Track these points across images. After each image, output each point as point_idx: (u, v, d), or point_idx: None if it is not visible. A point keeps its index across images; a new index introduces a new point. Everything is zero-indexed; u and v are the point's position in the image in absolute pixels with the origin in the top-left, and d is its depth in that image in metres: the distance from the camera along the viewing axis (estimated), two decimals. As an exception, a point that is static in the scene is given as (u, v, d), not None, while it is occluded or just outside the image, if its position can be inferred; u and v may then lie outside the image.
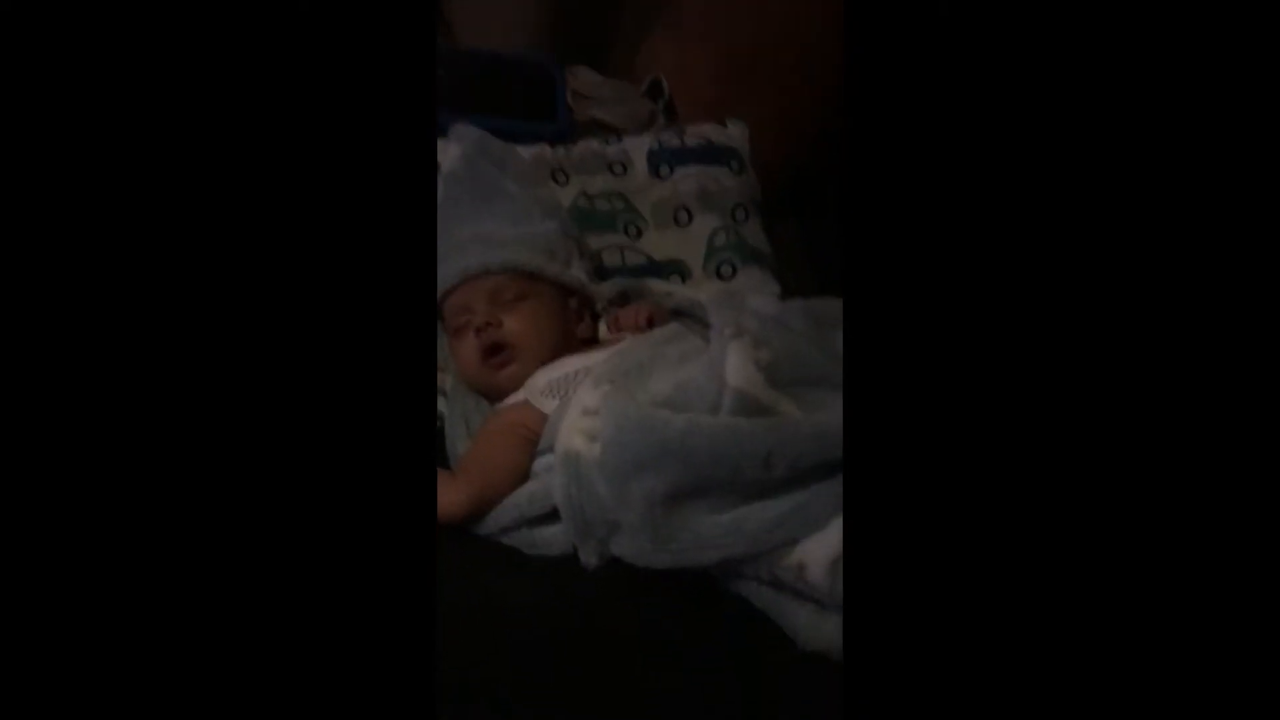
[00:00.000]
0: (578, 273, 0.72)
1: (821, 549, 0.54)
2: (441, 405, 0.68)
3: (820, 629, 0.54)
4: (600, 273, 0.79)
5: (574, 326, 0.70)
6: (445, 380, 0.69)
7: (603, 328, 0.73)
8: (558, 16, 1.24)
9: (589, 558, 0.58)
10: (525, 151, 0.84)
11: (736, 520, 0.55)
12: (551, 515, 0.58)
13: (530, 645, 0.53)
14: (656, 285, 0.77)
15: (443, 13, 1.27)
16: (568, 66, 1.12)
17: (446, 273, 0.67)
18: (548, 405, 0.63)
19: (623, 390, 0.58)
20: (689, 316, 0.73)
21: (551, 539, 0.59)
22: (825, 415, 0.55)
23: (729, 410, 0.55)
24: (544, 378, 0.65)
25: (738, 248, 0.83)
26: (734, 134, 0.91)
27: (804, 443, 0.54)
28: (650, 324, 0.70)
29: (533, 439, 0.62)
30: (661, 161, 0.88)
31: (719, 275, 0.82)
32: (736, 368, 0.56)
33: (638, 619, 0.56)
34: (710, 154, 0.88)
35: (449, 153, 0.75)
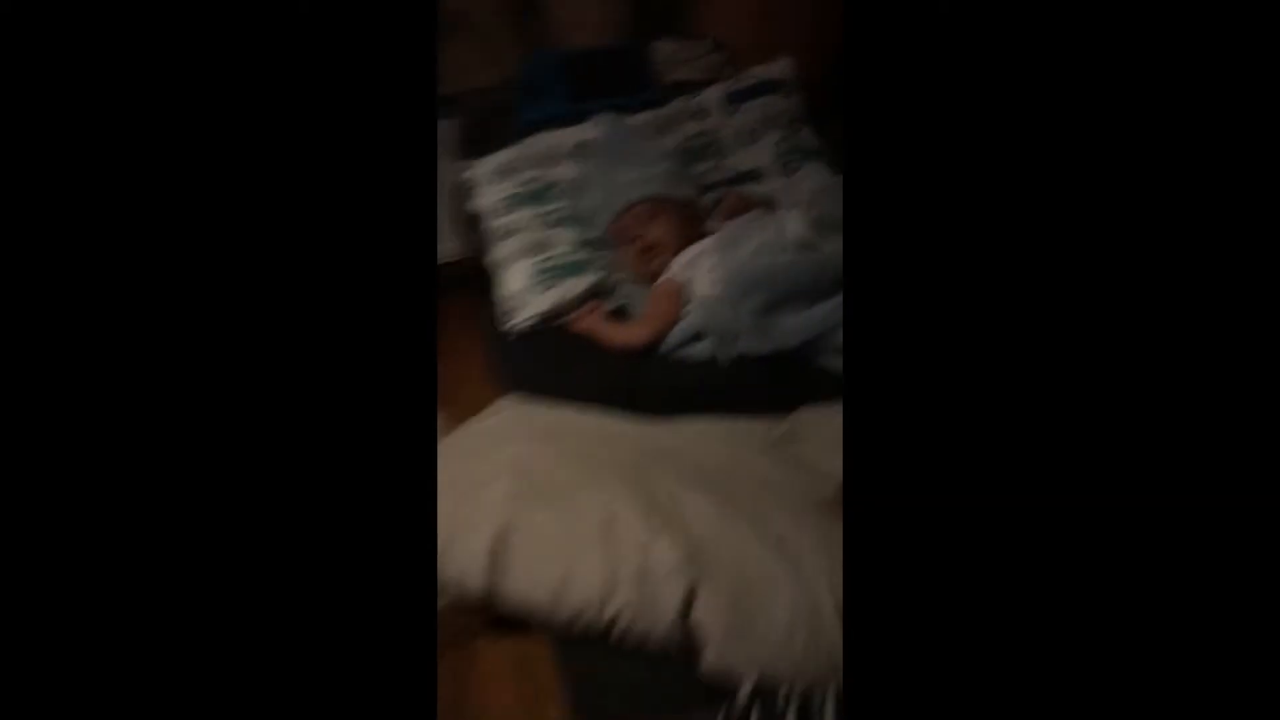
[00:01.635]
0: (688, 191, 1.11)
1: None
2: (623, 291, 1.11)
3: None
4: (704, 189, 1.17)
5: (693, 226, 1.10)
6: (623, 275, 1.12)
7: (712, 224, 1.13)
8: (632, 5, 1.59)
9: (724, 357, 0.98)
10: (637, 119, 1.23)
11: (810, 317, 0.93)
12: (698, 337, 1.00)
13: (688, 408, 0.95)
14: (741, 190, 1.15)
15: (549, 12, 1.64)
16: (652, 42, 1.47)
17: (610, 209, 1.09)
18: (684, 276, 1.03)
19: (727, 254, 0.97)
20: (767, 204, 1.11)
21: (700, 351, 1.00)
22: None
23: (792, 251, 0.93)
24: (680, 260, 1.05)
25: (796, 150, 1.18)
26: (781, 67, 1.25)
27: (838, 262, 0.91)
28: (742, 204, 1.09)
29: (679, 295, 1.03)
30: (732, 101, 1.23)
31: (787, 172, 1.18)
32: (793, 226, 0.94)
33: (756, 385, 0.96)
34: (765, 88, 1.22)
35: (594, 135, 1.15)
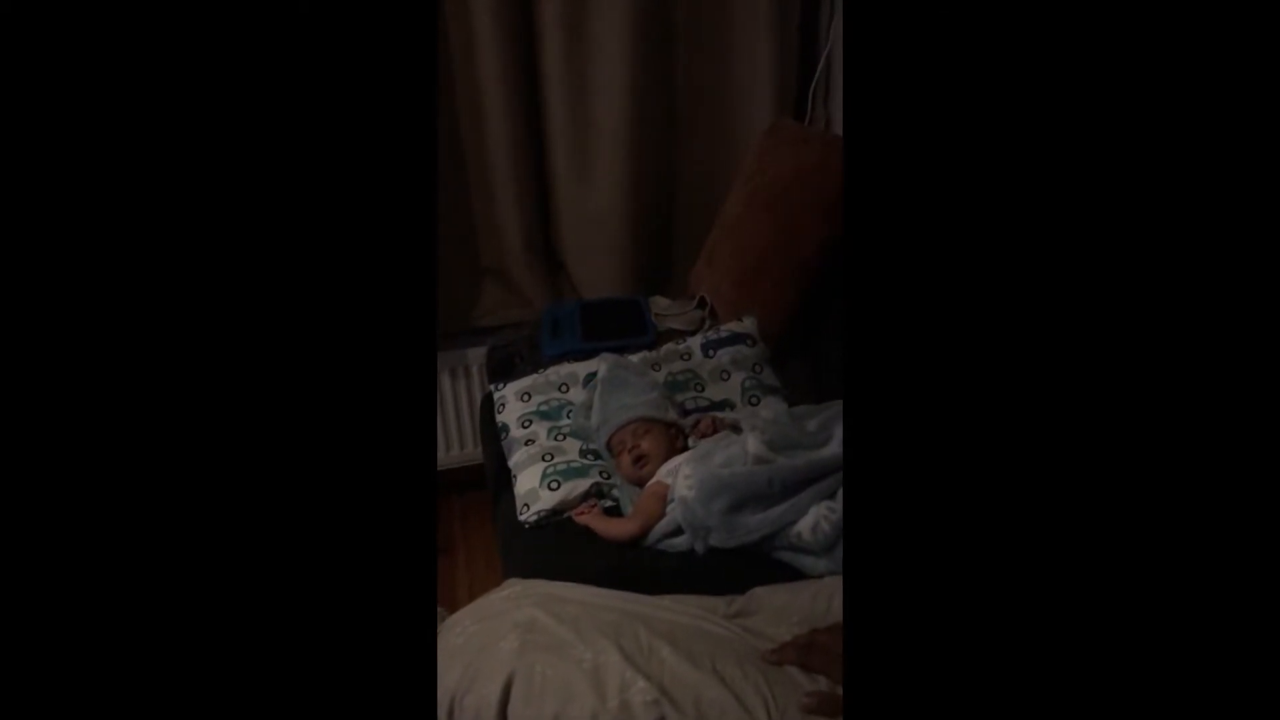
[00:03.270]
0: (673, 415, 1.40)
1: (807, 523, 1.15)
2: (616, 492, 1.35)
3: (816, 566, 1.14)
4: (684, 412, 1.46)
5: (676, 442, 1.37)
6: (617, 479, 1.37)
7: (690, 441, 1.40)
8: (635, 265, 2.02)
9: (699, 548, 1.20)
10: (635, 357, 1.56)
11: (765, 517, 1.17)
12: (678, 531, 1.22)
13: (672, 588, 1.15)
14: (715, 415, 1.44)
15: (569, 269, 2.07)
16: (650, 298, 1.87)
17: (610, 425, 1.36)
18: (669, 480, 1.28)
19: (701, 464, 1.23)
20: (734, 427, 1.40)
21: (680, 542, 1.21)
22: (799, 461, 1.18)
23: (750, 464, 1.19)
24: (665, 468, 1.30)
25: (758, 387, 1.49)
26: (748, 324, 1.60)
27: (787, 473, 1.17)
28: (714, 427, 1.37)
29: (664, 497, 1.26)
30: (709, 348, 1.57)
31: (749, 403, 1.47)
32: (752, 445, 1.21)
33: (722, 570, 1.17)
34: (735, 339, 1.57)
35: (602, 368, 1.47)
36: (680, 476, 1.23)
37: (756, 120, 1.78)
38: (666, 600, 1.03)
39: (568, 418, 1.49)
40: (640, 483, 1.33)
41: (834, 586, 1.03)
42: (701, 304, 1.80)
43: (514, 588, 1.10)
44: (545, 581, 1.08)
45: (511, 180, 1.78)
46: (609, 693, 0.80)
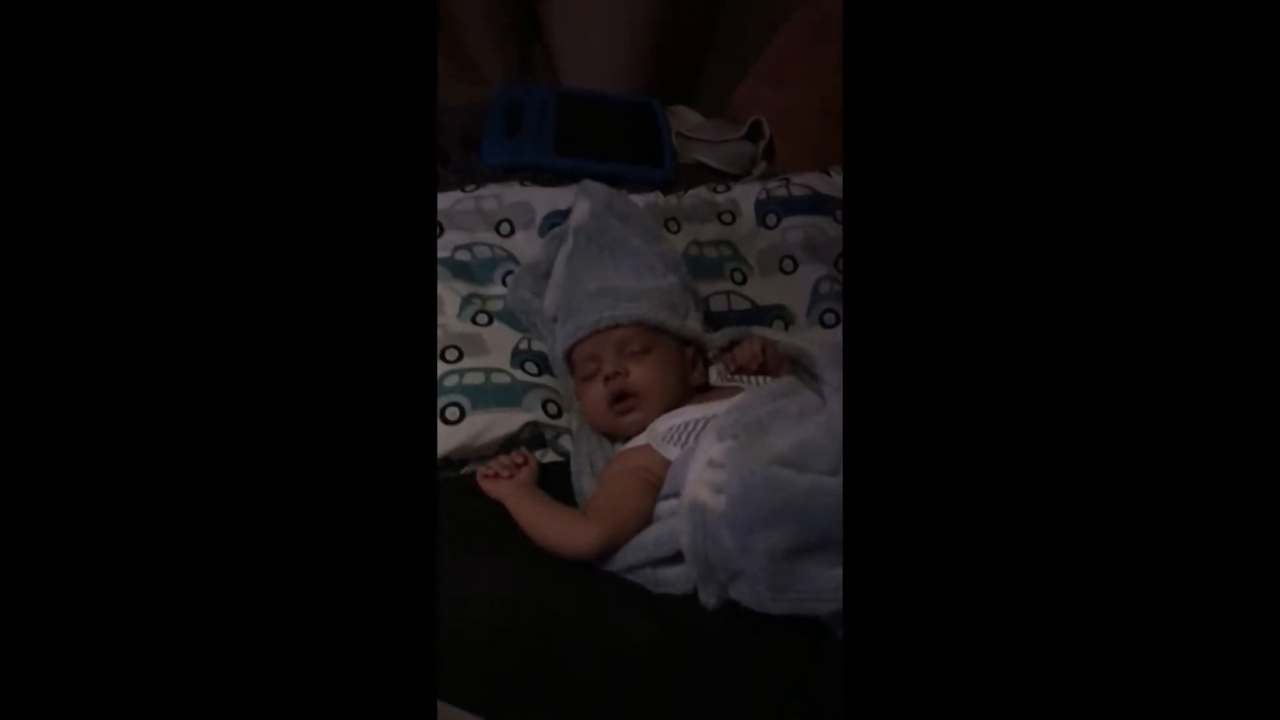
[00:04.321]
0: (695, 324, 0.76)
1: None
2: (566, 443, 0.74)
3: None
4: (707, 319, 0.83)
5: (690, 374, 0.75)
6: (571, 420, 0.74)
7: (713, 373, 0.78)
8: (653, 55, 1.29)
9: (709, 599, 0.62)
10: (641, 200, 0.89)
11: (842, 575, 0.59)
12: (675, 557, 0.63)
13: (649, 680, 0.58)
14: (763, 333, 0.81)
15: (548, 55, 1.33)
16: (669, 107, 1.17)
17: (577, 324, 0.73)
18: (669, 451, 0.67)
19: (746, 446, 0.62)
20: (797, 365, 0.77)
21: (674, 579, 0.63)
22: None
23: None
24: (665, 424, 0.70)
25: (841, 297, 0.86)
26: (839, 183, 0.94)
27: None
28: (765, 359, 0.75)
29: (656, 483, 0.66)
30: (769, 211, 0.92)
31: (822, 322, 0.85)
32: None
33: (754, 656, 0.60)
34: (816, 204, 0.91)
35: (579, 207, 0.80)
36: (700, 460, 0.62)
37: None
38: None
39: (503, 284, 0.83)
40: (617, 436, 0.72)
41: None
42: (755, 134, 1.11)
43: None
44: None
45: None
46: None
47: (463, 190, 0.91)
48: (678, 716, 0.57)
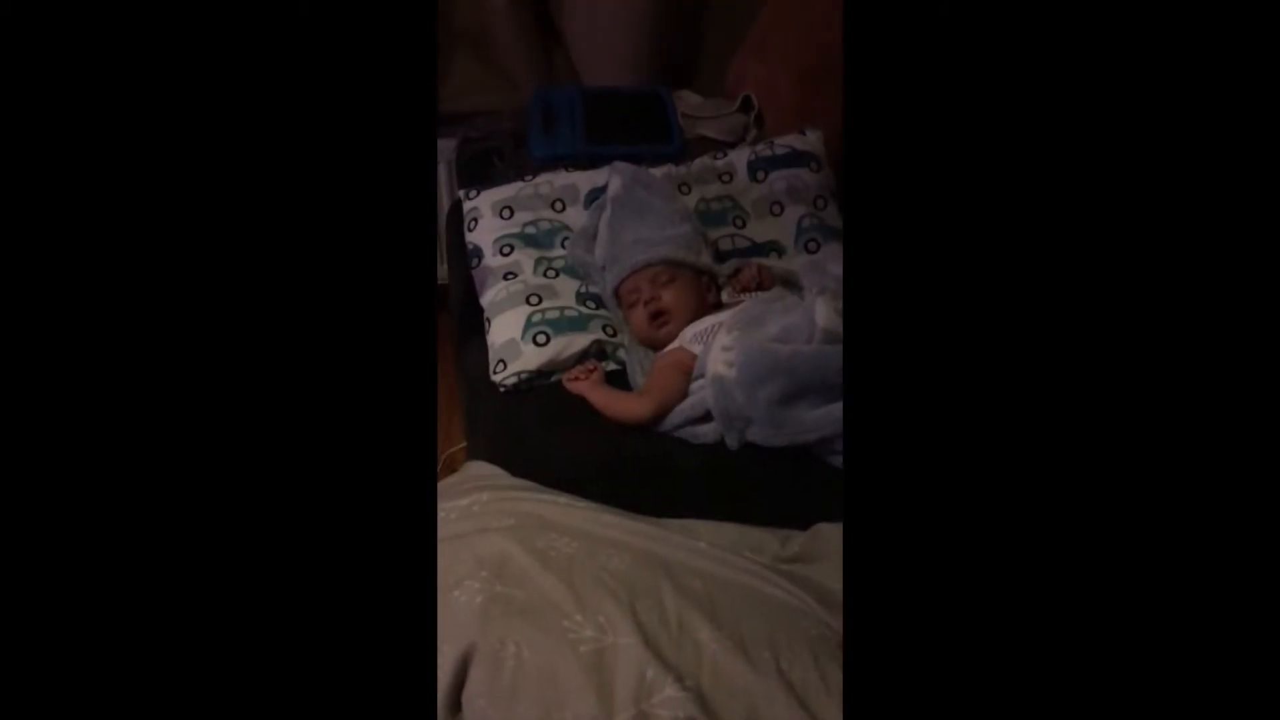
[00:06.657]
0: (706, 259, 1.03)
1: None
2: (622, 354, 1.02)
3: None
4: (718, 256, 1.10)
5: (706, 295, 1.02)
6: (624, 337, 1.03)
7: (724, 295, 1.05)
8: (655, 48, 1.53)
9: (733, 442, 0.89)
10: (658, 171, 1.15)
11: (829, 414, 0.85)
12: (706, 417, 0.91)
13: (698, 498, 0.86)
14: (760, 262, 1.08)
15: (566, 55, 1.58)
16: (675, 92, 1.42)
17: (620, 267, 1.00)
18: (695, 348, 0.95)
19: (747, 333, 0.89)
20: (787, 282, 1.04)
21: (707, 432, 0.91)
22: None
23: (819, 341, 0.85)
24: (691, 331, 0.97)
25: (820, 228, 1.11)
26: (812, 140, 1.19)
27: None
28: (761, 279, 1.01)
29: (688, 371, 0.94)
30: (758, 168, 1.17)
31: (807, 250, 1.11)
32: (823, 313, 0.86)
33: (768, 477, 0.88)
34: (794, 159, 1.16)
35: (612, 183, 1.07)
36: (716, 347, 0.89)
37: None
38: (700, 529, 0.73)
39: (562, 247, 1.11)
40: (657, 346, 1.00)
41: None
42: (746, 106, 1.36)
43: (477, 481, 0.80)
44: (521, 487, 0.78)
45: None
46: (619, 699, 0.51)
47: (523, 180, 1.19)
48: (718, 514, 0.84)
